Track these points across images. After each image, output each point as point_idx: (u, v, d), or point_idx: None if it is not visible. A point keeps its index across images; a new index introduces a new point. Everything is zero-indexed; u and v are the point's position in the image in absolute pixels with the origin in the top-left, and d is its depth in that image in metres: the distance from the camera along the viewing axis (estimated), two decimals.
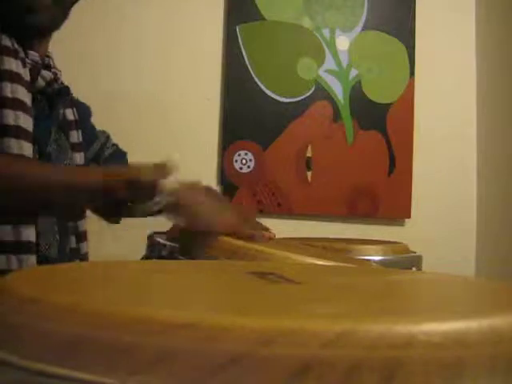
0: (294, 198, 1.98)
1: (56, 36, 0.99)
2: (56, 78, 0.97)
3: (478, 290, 0.46)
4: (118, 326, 0.27)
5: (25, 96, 0.86)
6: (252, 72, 1.97)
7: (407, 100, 2.06)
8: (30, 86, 0.88)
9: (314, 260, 0.70)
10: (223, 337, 0.26)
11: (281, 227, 1.89)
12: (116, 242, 1.54)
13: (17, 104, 0.84)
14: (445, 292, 0.45)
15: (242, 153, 1.95)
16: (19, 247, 0.84)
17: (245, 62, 1.97)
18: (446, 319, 0.29)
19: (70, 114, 1.01)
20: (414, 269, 1.17)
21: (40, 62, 0.93)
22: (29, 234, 0.85)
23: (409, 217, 2.05)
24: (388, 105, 2.05)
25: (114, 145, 1.15)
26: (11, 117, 0.83)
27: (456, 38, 2.15)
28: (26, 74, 0.87)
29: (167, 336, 0.26)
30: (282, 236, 1.20)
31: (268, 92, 1.97)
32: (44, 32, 0.94)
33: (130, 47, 1.90)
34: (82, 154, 1.02)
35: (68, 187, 0.81)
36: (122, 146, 1.17)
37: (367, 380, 0.25)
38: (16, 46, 0.87)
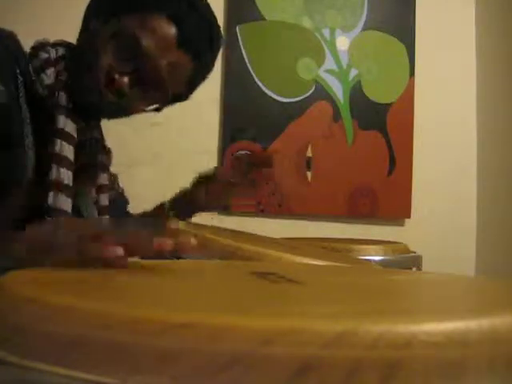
0: (294, 198, 1.98)
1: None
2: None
3: (478, 290, 0.46)
4: (119, 326, 0.27)
5: (70, 153, 0.90)
6: (252, 72, 1.97)
7: (407, 100, 2.06)
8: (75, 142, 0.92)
9: (310, 260, 0.69)
10: (224, 337, 0.26)
11: (281, 227, 1.92)
12: None
13: (62, 160, 0.88)
14: (445, 292, 0.45)
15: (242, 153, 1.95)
16: None
17: (245, 62, 1.96)
18: (446, 319, 0.29)
19: (103, 158, 1.01)
20: (414, 269, 1.17)
21: None
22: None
23: (409, 217, 2.05)
24: (388, 105, 2.05)
25: (119, 186, 1.14)
26: (55, 172, 0.87)
27: (456, 37, 2.15)
28: (73, 132, 0.90)
29: (168, 336, 0.26)
30: (282, 236, 1.20)
31: (268, 92, 1.97)
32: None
33: None
34: (107, 195, 1.01)
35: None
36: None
37: (367, 380, 0.25)
38: (70, 105, 0.89)
